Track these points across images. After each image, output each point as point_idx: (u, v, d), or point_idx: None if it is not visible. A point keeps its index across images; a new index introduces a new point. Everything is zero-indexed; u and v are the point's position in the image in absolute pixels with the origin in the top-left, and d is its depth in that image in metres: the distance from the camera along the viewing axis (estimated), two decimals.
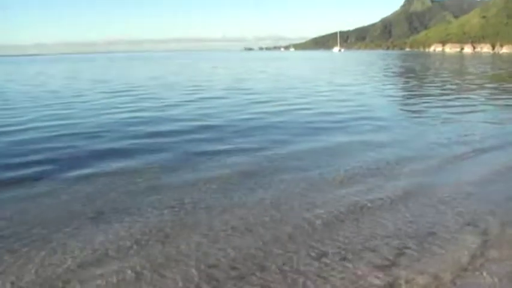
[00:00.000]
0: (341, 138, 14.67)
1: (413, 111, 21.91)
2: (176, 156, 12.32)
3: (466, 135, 14.87)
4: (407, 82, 43.73)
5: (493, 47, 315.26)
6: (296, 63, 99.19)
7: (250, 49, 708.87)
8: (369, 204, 8.07)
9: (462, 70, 66.95)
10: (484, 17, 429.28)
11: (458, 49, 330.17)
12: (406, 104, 25.31)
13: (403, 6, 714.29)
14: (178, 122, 18.32)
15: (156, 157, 12.16)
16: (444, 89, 33.63)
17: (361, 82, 40.69)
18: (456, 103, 24.52)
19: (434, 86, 36.57)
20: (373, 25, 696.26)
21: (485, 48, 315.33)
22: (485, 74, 54.06)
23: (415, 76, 53.31)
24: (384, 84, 39.27)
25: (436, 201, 8.27)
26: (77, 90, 34.71)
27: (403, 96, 30.42)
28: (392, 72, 61.07)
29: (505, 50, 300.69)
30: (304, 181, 9.69)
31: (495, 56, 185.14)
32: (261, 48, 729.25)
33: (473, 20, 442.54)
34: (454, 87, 36.22)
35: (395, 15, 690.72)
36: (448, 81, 42.72)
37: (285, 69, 68.52)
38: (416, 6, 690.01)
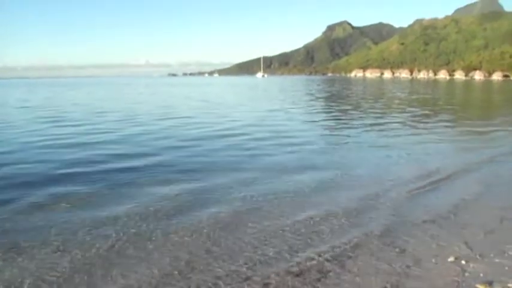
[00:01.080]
0: (292, 176, 12.81)
1: (352, 141, 19.91)
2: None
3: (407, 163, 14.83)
4: (336, 108, 41.82)
5: (411, 72, 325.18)
6: (221, 89, 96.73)
7: (174, 75, 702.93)
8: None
9: (386, 95, 67.16)
10: (402, 43, 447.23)
11: (378, 74, 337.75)
12: (342, 134, 22.32)
13: (325, 32, 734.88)
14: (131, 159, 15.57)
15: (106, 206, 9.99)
16: (373, 115, 32.85)
17: (289, 108, 38.94)
18: (394, 133, 22.93)
19: (366, 112, 36.02)
20: (296, 51, 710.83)
21: (403, 74, 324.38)
22: (410, 99, 54.89)
23: (342, 101, 52.00)
24: (314, 111, 37.63)
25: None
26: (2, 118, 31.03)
27: (336, 123, 28.15)
28: (317, 98, 59.61)
29: (422, 75, 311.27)
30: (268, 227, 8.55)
31: (413, 81, 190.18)
32: (185, 74, 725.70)
33: (392, 46, 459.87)
34: (382, 112, 35.71)
35: (318, 41, 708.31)
36: (373, 106, 42.51)
37: (211, 96, 65.55)
38: (338, 33, 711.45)
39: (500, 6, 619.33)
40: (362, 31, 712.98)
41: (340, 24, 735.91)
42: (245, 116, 31.96)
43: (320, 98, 60.30)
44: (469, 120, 30.29)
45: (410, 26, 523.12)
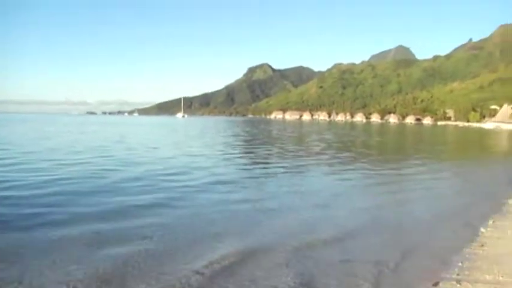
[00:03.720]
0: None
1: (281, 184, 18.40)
2: None
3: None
4: (261, 150, 38.81)
5: (329, 115, 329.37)
6: (146, 129, 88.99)
7: (92, 113, 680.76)
8: None
9: (315, 138, 62.17)
10: (321, 87, 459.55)
11: (297, 116, 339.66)
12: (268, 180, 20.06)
13: (246, 74, 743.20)
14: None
15: None
16: (294, 157, 31.07)
17: (212, 151, 35.13)
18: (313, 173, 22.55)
19: (290, 155, 33.24)
20: (217, 92, 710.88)
21: (322, 116, 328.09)
22: (338, 144, 50.14)
23: (266, 143, 48.52)
24: (238, 154, 34.57)
25: None
26: None
27: (265, 168, 24.76)
28: (235, 139, 55.98)
29: (339, 117, 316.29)
30: None
31: (331, 123, 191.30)
32: (104, 113, 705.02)
33: (311, 89, 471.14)
34: (306, 155, 34.05)
35: (239, 82, 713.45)
36: (298, 149, 40.40)
37: (143, 137, 56.95)
38: (259, 75, 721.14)
39: (412, 54, 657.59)
40: (282, 74, 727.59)
41: (261, 66, 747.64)
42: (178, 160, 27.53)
43: (243, 139, 56.01)
44: None
45: (329, 70, 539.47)
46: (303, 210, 13.39)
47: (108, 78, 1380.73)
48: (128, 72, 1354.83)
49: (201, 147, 39.78)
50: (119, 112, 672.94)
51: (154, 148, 36.86)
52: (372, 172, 23.46)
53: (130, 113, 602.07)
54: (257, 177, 20.79)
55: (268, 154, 34.51)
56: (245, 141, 53.88)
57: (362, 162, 28.15)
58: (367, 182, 19.95)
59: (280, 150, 37.53)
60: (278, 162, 27.56)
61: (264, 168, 24.78)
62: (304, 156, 33.33)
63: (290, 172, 22.79)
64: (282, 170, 23.53)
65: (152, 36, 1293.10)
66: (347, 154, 35.86)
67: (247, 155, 34.96)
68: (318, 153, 35.17)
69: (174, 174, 20.13)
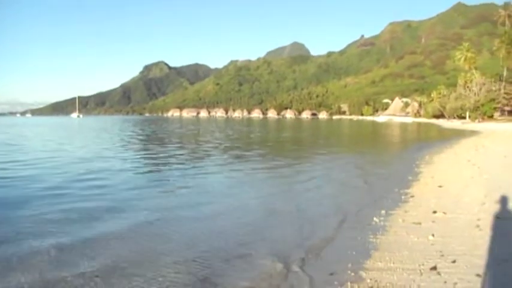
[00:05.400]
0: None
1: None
2: None
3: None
4: (153, 150, 35.75)
5: (227, 112, 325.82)
6: (41, 130, 77.54)
7: None
8: None
9: (215, 135, 57.22)
10: (217, 84, 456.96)
11: (195, 113, 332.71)
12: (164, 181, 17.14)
13: (142, 72, 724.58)
14: None
15: None
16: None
17: (111, 153, 31.39)
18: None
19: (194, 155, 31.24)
20: (113, 90, 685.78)
21: (219, 113, 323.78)
22: (236, 140, 48.38)
23: (167, 142, 45.11)
24: (140, 155, 31.73)
25: None
26: None
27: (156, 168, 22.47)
28: (133, 139, 50.16)
29: (236, 114, 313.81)
30: None
31: (229, 120, 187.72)
32: None
33: (208, 86, 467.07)
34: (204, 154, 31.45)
35: (135, 81, 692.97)
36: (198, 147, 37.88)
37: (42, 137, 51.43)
38: (155, 73, 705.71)
39: (307, 50, 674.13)
40: (179, 71, 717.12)
41: (157, 64, 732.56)
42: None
43: (139, 139, 50.72)
44: None
45: (225, 67, 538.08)
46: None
47: None
48: (20, 72, 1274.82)
49: (100, 148, 35.51)
50: (11, 113, 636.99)
51: (53, 150, 31.71)
52: (273, 166, 22.51)
53: (23, 113, 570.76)
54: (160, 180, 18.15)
55: (170, 155, 31.31)
56: (144, 140, 49.84)
57: (261, 158, 27.49)
58: (267, 177, 19.03)
59: (184, 150, 35.13)
60: (179, 163, 24.94)
61: (161, 170, 22.02)
62: (205, 154, 31.77)
63: (197, 172, 20.69)
64: (184, 170, 21.43)
65: (44, 34, 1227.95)
66: (248, 151, 34.22)
67: (150, 155, 32.19)
68: (218, 150, 34.16)
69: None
